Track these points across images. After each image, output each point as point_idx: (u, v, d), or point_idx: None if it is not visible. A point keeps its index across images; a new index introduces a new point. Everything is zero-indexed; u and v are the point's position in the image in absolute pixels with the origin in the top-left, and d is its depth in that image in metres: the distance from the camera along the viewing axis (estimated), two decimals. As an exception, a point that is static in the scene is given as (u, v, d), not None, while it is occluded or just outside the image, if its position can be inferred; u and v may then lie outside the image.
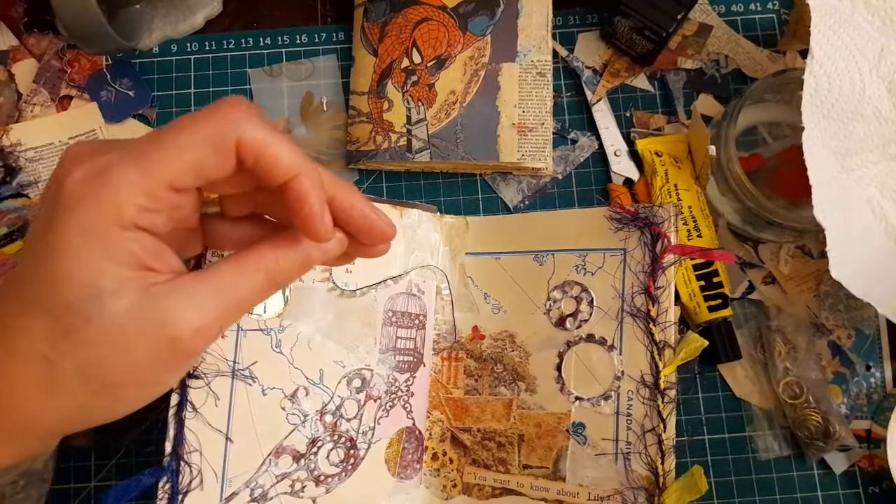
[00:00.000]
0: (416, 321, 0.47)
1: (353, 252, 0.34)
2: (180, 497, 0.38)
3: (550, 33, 0.53)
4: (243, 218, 0.34)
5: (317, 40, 0.56)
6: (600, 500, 0.43)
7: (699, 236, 0.49)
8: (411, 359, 0.47)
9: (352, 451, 0.44)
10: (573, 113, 0.54)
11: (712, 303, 0.48)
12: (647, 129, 0.53)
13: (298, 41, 0.56)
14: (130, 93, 0.54)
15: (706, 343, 0.45)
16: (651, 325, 0.43)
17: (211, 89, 0.54)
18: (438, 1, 0.53)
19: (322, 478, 0.42)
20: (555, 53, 0.54)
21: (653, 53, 0.52)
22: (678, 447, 0.42)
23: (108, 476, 0.48)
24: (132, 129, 0.53)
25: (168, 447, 0.38)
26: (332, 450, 0.43)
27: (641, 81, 0.54)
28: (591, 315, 0.45)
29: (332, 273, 0.44)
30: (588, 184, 0.53)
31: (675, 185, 0.50)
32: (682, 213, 0.49)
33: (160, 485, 0.37)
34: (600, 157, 0.53)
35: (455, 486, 0.46)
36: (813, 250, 0.51)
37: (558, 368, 0.46)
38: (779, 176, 0.50)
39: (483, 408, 0.47)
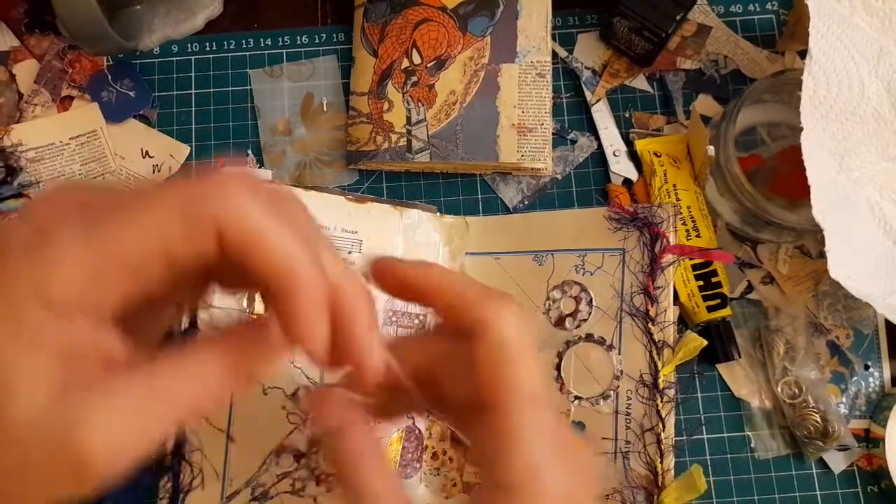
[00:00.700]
0: (417, 321, 0.48)
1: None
2: (181, 496, 0.38)
3: (550, 34, 0.53)
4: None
5: (317, 41, 0.56)
6: (600, 499, 0.43)
7: (698, 236, 0.49)
8: (411, 358, 0.47)
9: (352, 451, 0.44)
10: (572, 113, 0.54)
11: (711, 303, 0.48)
12: (646, 130, 0.54)
13: (299, 42, 0.56)
14: (131, 93, 0.54)
15: (705, 343, 0.45)
16: (650, 325, 0.43)
17: (211, 90, 0.55)
18: (438, 2, 0.53)
19: (323, 477, 0.43)
20: (554, 54, 0.54)
21: (652, 54, 0.52)
22: (677, 446, 0.42)
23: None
24: (133, 129, 0.53)
25: (169, 446, 0.38)
26: (332, 449, 0.43)
27: (640, 82, 0.55)
28: (590, 315, 0.45)
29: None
30: (587, 184, 0.53)
31: (674, 186, 0.50)
32: (681, 214, 0.49)
33: (161, 484, 0.38)
34: (599, 157, 0.53)
35: (455, 485, 0.47)
36: (811, 250, 0.51)
37: (557, 368, 0.46)
38: (778, 176, 0.50)
39: (483, 407, 0.47)
